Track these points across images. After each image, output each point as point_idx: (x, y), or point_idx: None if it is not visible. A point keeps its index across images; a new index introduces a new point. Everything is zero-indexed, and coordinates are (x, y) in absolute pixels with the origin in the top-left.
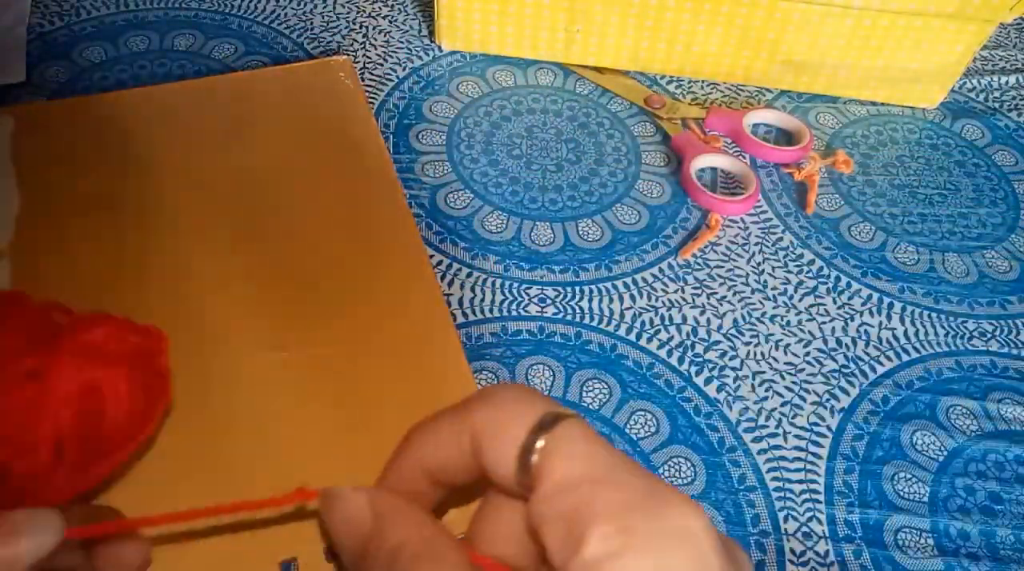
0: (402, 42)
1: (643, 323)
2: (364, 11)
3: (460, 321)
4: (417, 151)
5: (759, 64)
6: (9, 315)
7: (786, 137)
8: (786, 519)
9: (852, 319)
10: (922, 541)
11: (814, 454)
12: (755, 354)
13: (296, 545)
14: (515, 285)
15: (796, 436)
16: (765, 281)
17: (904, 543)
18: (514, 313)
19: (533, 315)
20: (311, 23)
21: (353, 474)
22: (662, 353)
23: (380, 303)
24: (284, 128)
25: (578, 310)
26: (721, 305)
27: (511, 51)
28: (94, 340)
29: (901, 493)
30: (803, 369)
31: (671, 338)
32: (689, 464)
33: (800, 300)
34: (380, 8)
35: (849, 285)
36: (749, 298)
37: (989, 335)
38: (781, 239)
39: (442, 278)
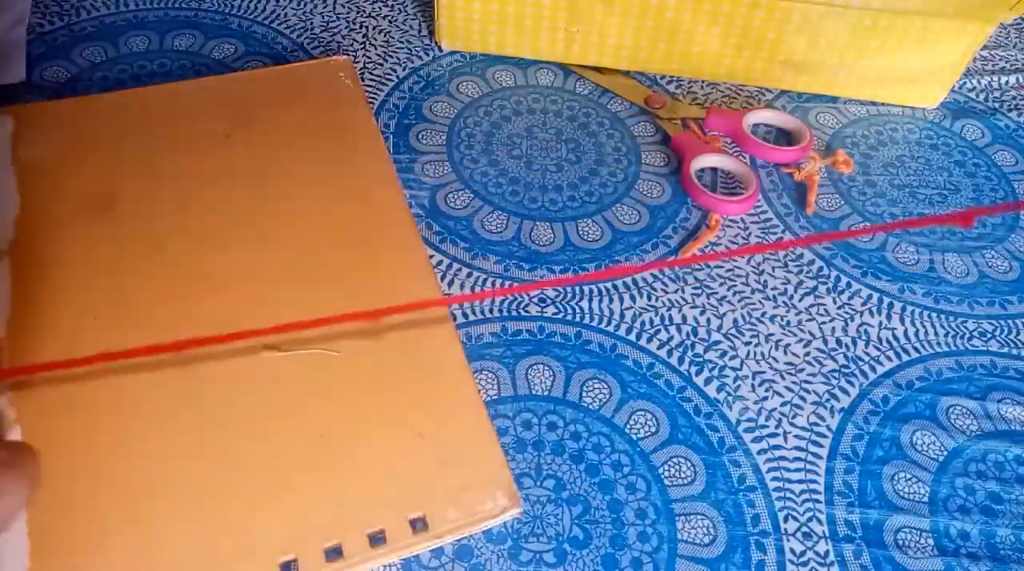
0: (402, 42)
1: (643, 323)
2: (364, 11)
3: (460, 321)
4: (417, 151)
5: (759, 64)
6: None
7: (786, 137)
8: (786, 519)
9: (852, 319)
10: (922, 541)
11: (814, 454)
12: (755, 354)
13: (296, 545)
14: (515, 285)
15: (796, 436)
16: (765, 281)
17: (904, 543)
18: (514, 313)
19: (533, 315)
20: (311, 23)
21: (353, 474)
22: (662, 353)
23: (380, 303)
24: (284, 128)
25: (578, 310)
26: (721, 305)
27: (511, 51)
28: None
29: (901, 493)
30: (803, 369)
31: (671, 338)
32: (689, 464)
33: (800, 300)
34: (380, 8)
35: (849, 285)
36: (749, 298)
37: (989, 335)
38: (781, 239)
39: (442, 278)
